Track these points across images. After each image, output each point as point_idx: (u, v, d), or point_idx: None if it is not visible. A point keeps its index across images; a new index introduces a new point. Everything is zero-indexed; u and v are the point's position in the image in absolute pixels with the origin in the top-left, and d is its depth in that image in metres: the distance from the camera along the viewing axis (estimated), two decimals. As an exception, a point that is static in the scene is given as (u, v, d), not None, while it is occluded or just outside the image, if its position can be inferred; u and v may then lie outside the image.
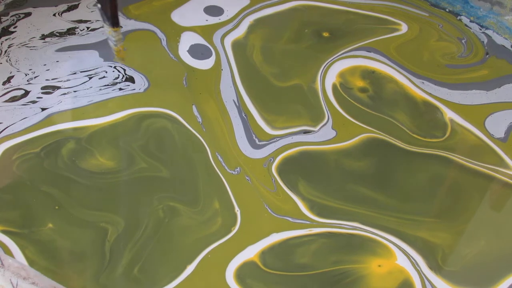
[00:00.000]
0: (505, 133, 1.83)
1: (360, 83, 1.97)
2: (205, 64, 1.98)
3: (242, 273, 1.45)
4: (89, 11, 2.11)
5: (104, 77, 1.89)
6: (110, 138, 1.71)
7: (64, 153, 1.66)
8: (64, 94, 1.82)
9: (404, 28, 2.18)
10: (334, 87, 1.94)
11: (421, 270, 1.49)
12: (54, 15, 2.08)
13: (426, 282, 1.47)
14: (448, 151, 1.77)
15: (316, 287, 1.44)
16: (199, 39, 2.08)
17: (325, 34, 2.15)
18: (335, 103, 1.89)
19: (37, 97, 1.80)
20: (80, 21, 2.07)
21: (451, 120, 1.86)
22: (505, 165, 1.74)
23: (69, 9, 2.11)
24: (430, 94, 1.93)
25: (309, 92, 1.91)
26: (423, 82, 1.97)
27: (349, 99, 1.90)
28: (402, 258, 1.51)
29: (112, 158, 1.66)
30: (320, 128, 1.80)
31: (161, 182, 1.61)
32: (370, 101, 1.90)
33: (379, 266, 1.50)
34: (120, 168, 1.63)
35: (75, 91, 1.84)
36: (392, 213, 1.60)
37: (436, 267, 1.49)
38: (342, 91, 1.93)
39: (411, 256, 1.51)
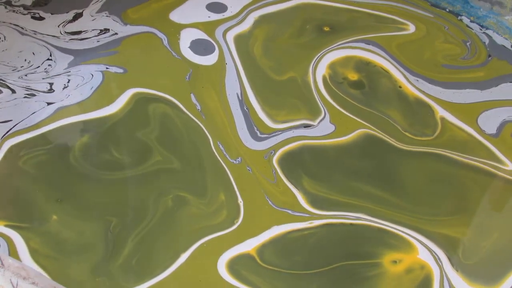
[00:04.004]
0: (497, 129, 1.84)
1: (353, 75, 1.98)
2: (209, 60, 1.99)
3: (237, 265, 1.48)
4: (91, 19, 2.09)
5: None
6: (124, 131, 1.75)
7: (77, 148, 1.69)
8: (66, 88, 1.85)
9: (411, 28, 2.18)
10: (324, 79, 1.95)
11: (442, 266, 1.50)
12: (58, 26, 2.07)
13: (445, 282, 1.48)
14: (441, 148, 1.77)
15: (315, 287, 1.46)
16: (199, 35, 2.07)
17: (326, 29, 2.16)
18: (328, 97, 1.90)
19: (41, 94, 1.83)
20: (79, 32, 2.05)
21: (442, 118, 1.86)
22: (498, 160, 1.76)
23: (74, 18, 2.09)
24: (423, 92, 1.94)
25: (302, 85, 1.93)
26: (417, 80, 1.98)
27: (340, 93, 1.92)
28: (424, 251, 1.53)
29: (127, 152, 1.70)
30: (319, 122, 1.82)
31: (173, 174, 1.65)
32: (362, 96, 1.91)
33: (395, 262, 1.50)
34: (135, 162, 1.67)
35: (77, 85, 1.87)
36: (401, 211, 1.62)
37: (458, 263, 1.51)
38: (331, 84, 1.94)
39: (433, 251, 1.53)
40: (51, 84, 1.85)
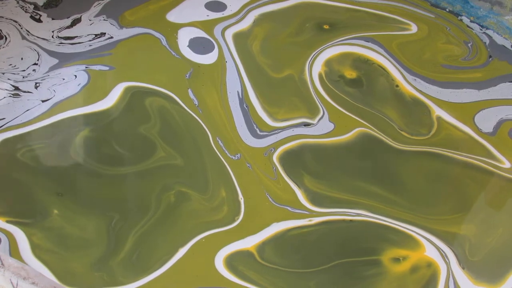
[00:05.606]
0: (494, 128, 1.84)
1: (350, 73, 1.98)
2: (208, 59, 1.99)
3: (235, 261, 1.49)
4: (89, 23, 2.07)
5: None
6: (125, 126, 1.75)
7: (77, 142, 1.69)
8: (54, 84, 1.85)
9: (414, 28, 2.18)
10: (320, 77, 1.96)
11: (449, 264, 1.51)
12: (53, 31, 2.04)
13: (451, 281, 1.49)
14: (437, 147, 1.78)
15: (313, 284, 1.47)
16: (198, 34, 2.07)
17: (325, 27, 2.16)
18: (325, 95, 1.91)
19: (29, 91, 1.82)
20: (72, 37, 2.03)
21: (438, 118, 1.86)
22: (495, 158, 1.77)
23: (72, 24, 2.07)
24: (420, 91, 1.94)
25: (300, 83, 1.94)
26: (415, 79, 1.98)
27: (337, 91, 1.92)
28: (431, 248, 1.54)
29: (130, 147, 1.70)
30: (319, 121, 1.83)
31: (176, 169, 1.66)
32: (359, 94, 1.92)
33: (398, 260, 1.51)
34: (139, 157, 1.68)
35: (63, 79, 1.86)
36: (402, 209, 1.62)
37: (464, 260, 1.52)
38: (327, 81, 1.94)
39: (440, 248, 1.54)
40: (16, 87, 1.84)
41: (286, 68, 1.98)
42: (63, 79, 1.86)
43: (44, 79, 1.86)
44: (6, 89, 1.81)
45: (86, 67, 1.90)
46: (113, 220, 1.53)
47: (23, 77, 1.86)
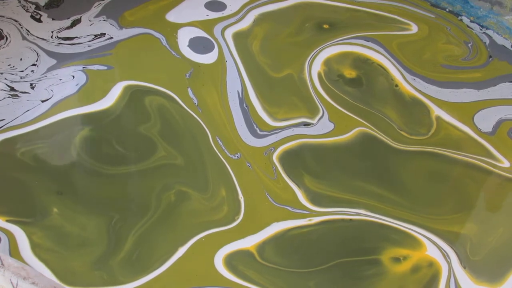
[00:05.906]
0: (493, 128, 1.84)
1: (350, 72, 1.98)
2: (208, 58, 1.99)
3: (234, 260, 1.48)
4: (89, 24, 2.07)
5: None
6: (126, 125, 1.76)
7: (77, 142, 1.69)
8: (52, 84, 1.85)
9: (414, 28, 2.19)
10: (319, 76, 1.96)
11: (451, 263, 1.51)
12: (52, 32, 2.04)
13: (452, 280, 1.49)
14: (436, 147, 1.78)
15: (312, 284, 1.46)
16: (198, 33, 2.07)
17: (325, 26, 2.16)
18: (324, 94, 1.91)
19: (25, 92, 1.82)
20: (71, 38, 2.02)
21: (438, 117, 1.87)
22: (494, 157, 1.77)
23: (72, 24, 2.06)
24: (419, 91, 1.94)
25: (300, 82, 1.94)
26: (414, 79, 1.98)
27: (336, 90, 1.92)
28: (432, 248, 1.53)
29: (130, 146, 1.70)
30: (319, 120, 1.83)
31: (176, 169, 1.66)
32: (359, 94, 1.92)
33: (399, 259, 1.50)
34: (139, 157, 1.68)
35: (60, 79, 1.86)
36: (403, 208, 1.62)
37: (465, 259, 1.51)
38: (327, 81, 1.94)
39: (441, 247, 1.54)
40: (11, 87, 1.83)
41: (286, 67, 1.99)
42: (60, 79, 1.86)
43: (41, 80, 1.86)
44: (3, 90, 1.82)
45: (83, 67, 1.91)
46: (113, 219, 1.53)
47: (21, 78, 1.86)
